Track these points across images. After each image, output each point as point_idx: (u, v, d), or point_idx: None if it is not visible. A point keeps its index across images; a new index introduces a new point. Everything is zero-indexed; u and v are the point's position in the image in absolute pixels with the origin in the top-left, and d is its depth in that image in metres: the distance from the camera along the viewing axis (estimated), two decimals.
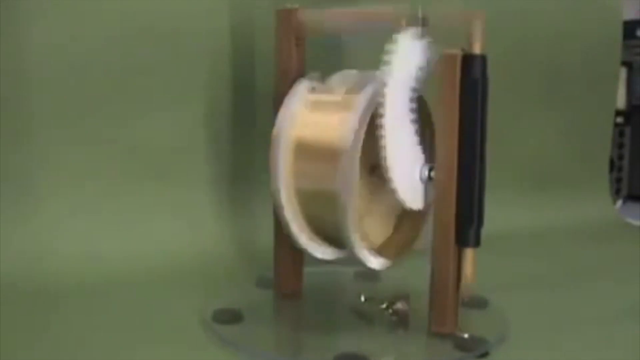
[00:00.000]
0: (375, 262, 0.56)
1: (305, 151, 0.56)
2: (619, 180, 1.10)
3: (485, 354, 0.52)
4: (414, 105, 0.53)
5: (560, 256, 0.81)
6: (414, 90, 0.53)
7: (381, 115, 0.52)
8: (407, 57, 0.53)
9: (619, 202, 1.08)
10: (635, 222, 0.97)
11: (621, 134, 1.10)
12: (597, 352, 0.54)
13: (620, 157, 1.11)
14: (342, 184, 0.53)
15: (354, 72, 0.58)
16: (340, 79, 0.58)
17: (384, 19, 0.55)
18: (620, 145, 1.10)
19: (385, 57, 0.52)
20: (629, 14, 1.04)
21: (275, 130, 0.56)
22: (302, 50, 0.60)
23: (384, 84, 0.52)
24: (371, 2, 0.56)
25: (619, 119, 1.08)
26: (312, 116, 0.56)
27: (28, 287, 0.62)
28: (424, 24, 0.53)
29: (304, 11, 0.59)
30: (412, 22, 0.53)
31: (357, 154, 0.52)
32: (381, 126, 0.52)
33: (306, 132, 0.56)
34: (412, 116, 0.53)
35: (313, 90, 0.57)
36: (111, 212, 0.70)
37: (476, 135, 0.51)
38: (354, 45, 0.71)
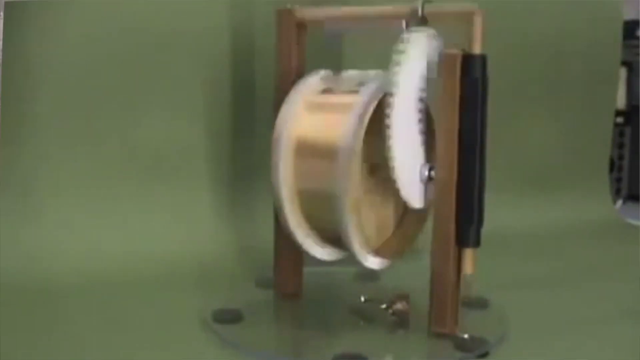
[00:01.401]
0: (373, 262, 0.56)
1: (306, 151, 0.56)
2: (619, 180, 1.10)
3: (485, 354, 0.52)
4: (423, 105, 0.53)
5: (560, 256, 0.81)
6: (423, 90, 0.53)
7: (389, 116, 0.52)
8: (417, 58, 0.53)
9: (619, 202, 1.08)
10: (635, 222, 0.97)
11: (621, 134, 1.10)
12: (597, 352, 0.54)
13: (620, 157, 1.10)
14: (341, 184, 0.53)
15: (354, 72, 0.58)
16: (340, 79, 0.58)
17: (384, 17, 0.55)
18: (620, 145, 1.10)
19: (395, 57, 0.52)
20: (629, 14, 1.04)
21: (276, 131, 0.56)
22: (302, 50, 0.60)
23: (393, 84, 0.52)
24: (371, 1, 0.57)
25: (619, 119, 1.08)
26: (312, 116, 0.56)
27: (28, 287, 0.62)
28: (424, 22, 0.53)
29: (304, 10, 0.59)
30: (412, 20, 0.53)
31: (356, 154, 0.52)
32: (388, 126, 0.52)
33: (307, 132, 0.56)
34: (420, 116, 0.54)
35: (315, 90, 0.57)
36: (111, 212, 0.70)
37: (476, 135, 0.51)
38: (354, 45, 0.71)
